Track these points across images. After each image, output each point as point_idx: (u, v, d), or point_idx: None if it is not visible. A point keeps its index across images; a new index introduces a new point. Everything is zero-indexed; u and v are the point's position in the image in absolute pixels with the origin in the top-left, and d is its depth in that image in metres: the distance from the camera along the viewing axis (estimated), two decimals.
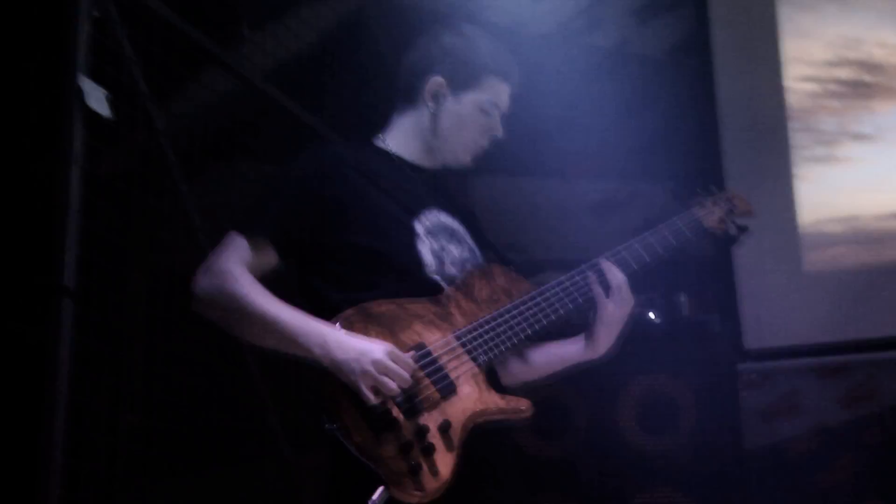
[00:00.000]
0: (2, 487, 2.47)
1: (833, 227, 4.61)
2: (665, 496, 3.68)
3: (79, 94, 2.73)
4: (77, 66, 2.77)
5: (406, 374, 2.19)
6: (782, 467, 4.29)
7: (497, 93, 2.55)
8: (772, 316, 4.51)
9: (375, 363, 2.18)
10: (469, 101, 2.53)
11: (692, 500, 3.66)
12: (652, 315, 3.98)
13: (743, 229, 2.73)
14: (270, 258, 2.34)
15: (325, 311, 2.26)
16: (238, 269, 2.27)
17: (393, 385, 2.17)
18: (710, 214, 2.70)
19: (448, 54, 2.53)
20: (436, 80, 2.51)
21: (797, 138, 4.67)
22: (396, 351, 2.20)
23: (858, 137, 4.65)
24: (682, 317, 3.99)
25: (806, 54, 4.78)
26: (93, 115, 2.77)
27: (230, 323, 2.28)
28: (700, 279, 4.49)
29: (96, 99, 2.76)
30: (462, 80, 2.52)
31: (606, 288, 2.47)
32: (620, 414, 3.78)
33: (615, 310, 2.47)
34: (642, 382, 3.81)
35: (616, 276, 2.47)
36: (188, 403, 3.02)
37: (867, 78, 4.65)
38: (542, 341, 2.55)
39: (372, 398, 2.17)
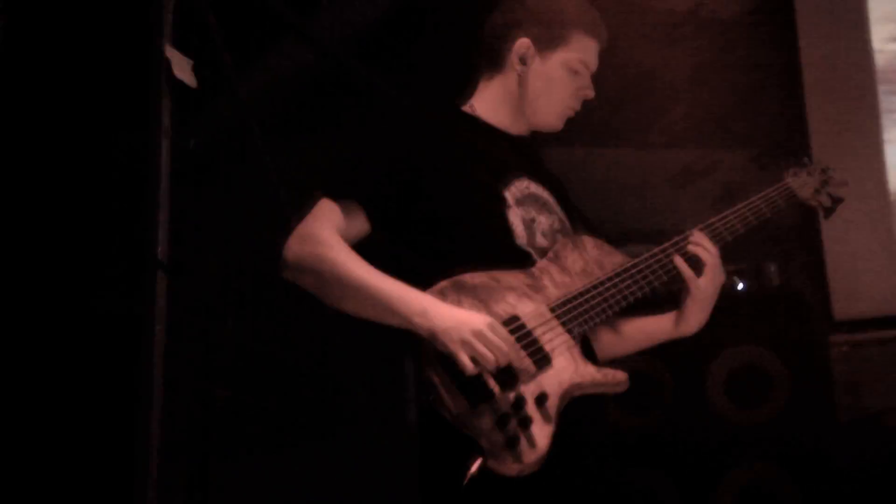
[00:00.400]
0: (101, 463, 2.46)
1: None
2: (759, 471, 3.59)
3: (167, 64, 2.70)
4: (164, 35, 2.74)
5: (505, 347, 2.14)
6: (876, 440, 4.18)
7: (586, 50, 2.47)
8: (862, 285, 4.41)
9: (476, 333, 2.13)
10: (557, 60, 2.46)
11: (787, 475, 3.56)
12: (741, 286, 3.88)
13: (838, 200, 2.67)
14: (361, 225, 2.30)
15: (415, 282, 2.21)
16: (333, 236, 2.23)
17: (491, 356, 2.13)
18: (804, 185, 2.63)
19: (533, 13, 2.46)
20: (522, 42, 2.44)
21: (887, 101, 4.54)
22: (496, 323, 2.15)
23: None
24: (772, 286, 3.88)
25: (894, 13, 4.63)
26: (179, 85, 2.73)
27: (324, 290, 2.24)
28: (788, 248, 4.40)
29: (182, 68, 2.73)
30: (549, 40, 2.45)
31: (696, 263, 2.41)
32: (710, 387, 3.69)
33: (707, 285, 2.41)
34: (732, 354, 3.71)
35: (709, 250, 2.41)
36: (276, 378, 3.00)
37: None
38: (632, 315, 2.50)
39: (470, 367, 2.12)
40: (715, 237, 2.46)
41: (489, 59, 2.51)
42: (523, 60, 2.46)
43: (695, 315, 2.44)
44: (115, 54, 2.75)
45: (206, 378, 2.67)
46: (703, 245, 2.42)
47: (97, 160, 2.68)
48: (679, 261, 2.41)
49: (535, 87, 2.46)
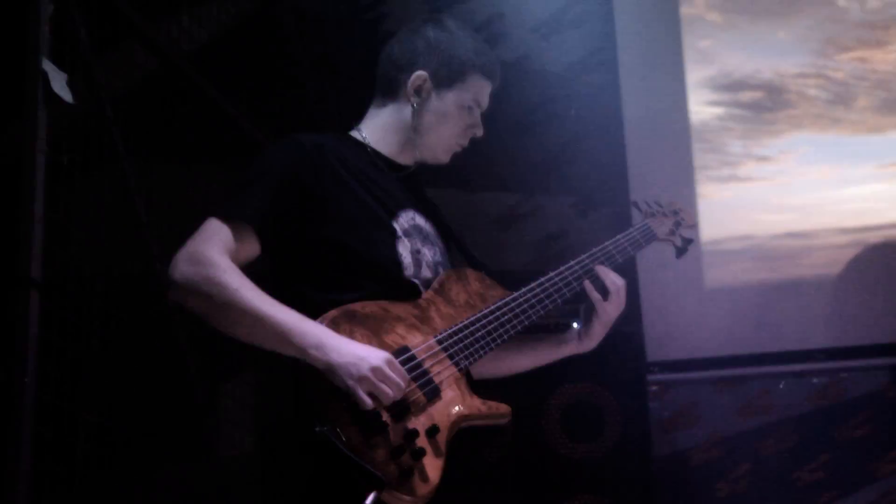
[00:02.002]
0: None
1: (732, 244, 4.81)
2: (586, 502, 3.76)
3: (44, 78, 2.61)
4: (40, 49, 2.65)
5: (402, 383, 2.17)
6: (685, 476, 4.44)
7: (480, 91, 2.54)
8: (673, 329, 4.67)
9: (374, 370, 2.15)
10: (452, 98, 2.51)
11: None
12: (575, 325, 4.05)
13: (688, 241, 2.85)
14: (252, 248, 2.27)
15: (305, 309, 2.22)
16: (224, 260, 2.19)
17: (390, 393, 2.15)
18: (661, 226, 2.80)
19: (433, 49, 2.51)
20: (419, 75, 2.48)
21: (702, 158, 4.87)
22: (393, 359, 2.18)
23: (761, 159, 4.88)
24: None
25: (710, 79, 4.98)
26: (55, 101, 2.65)
27: (214, 315, 2.19)
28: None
29: (59, 83, 2.65)
30: (446, 77, 2.50)
31: (602, 290, 2.54)
32: (546, 421, 3.84)
33: (613, 310, 2.55)
34: (568, 391, 3.88)
35: (615, 281, 2.54)
36: (134, 401, 2.92)
37: (769, 103, 4.89)
38: (530, 334, 2.58)
39: (369, 403, 2.14)
40: (587, 275, 2.59)
41: (383, 87, 2.54)
42: (418, 93, 2.49)
43: (598, 334, 2.58)
44: None
45: (74, 402, 2.58)
46: (609, 276, 2.55)
47: None
48: (588, 286, 2.52)
49: (427, 121, 2.51)
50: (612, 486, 3.80)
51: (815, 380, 4.56)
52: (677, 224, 2.86)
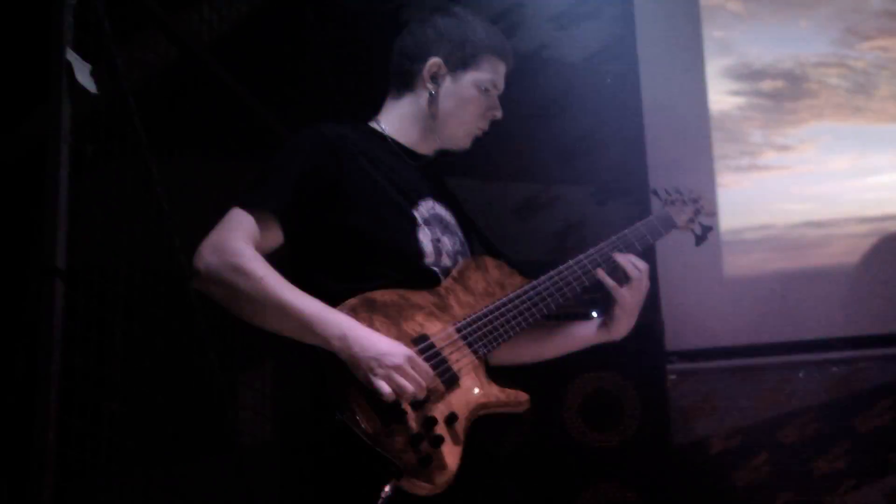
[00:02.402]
0: None
1: (752, 234, 4.81)
2: (610, 491, 3.77)
3: (68, 68, 2.63)
4: (65, 39, 2.67)
5: (423, 382, 2.19)
6: (704, 464, 4.45)
7: (495, 71, 2.56)
8: (692, 318, 4.67)
9: (396, 368, 2.16)
10: (468, 80, 2.53)
11: (637, 496, 3.76)
12: (594, 314, 4.06)
13: (707, 229, 2.85)
14: (276, 237, 2.29)
15: (324, 296, 2.24)
16: (249, 249, 2.21)
17: (411, 389, 2.16)
18: (680, 213, 2.80)
19: (444, 35, 2.53)
20: (434, 62, 2.51)
21: (722, 148, 4.86)
22: (415, 356, 2.19)
23: (781, 148, 4.87)
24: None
25: (730, 68, 4.97)
26: (79, 91, 2.67)
27: (238, 304, 2.21)
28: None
29: (83, 74, 2.67)
30: (460, 60, 2.52)
31: (623, 276, 2.54)
32: (566, 410, 3.85)
33: (634, 295, 2.55)
34: (587, 379, 3.89)
35: (637, 265, 2.54)
36: (157, 393, 2.95)
37: (789, 92, 4.88)
38: (557, 321, 2.59)
39: (391, 397, 2.15)
40: (605, 261, 2.59)
41: (398, 79, 2.56)
42: (434, 79, 2.52)
43: (624, 322, 2.58)
44: (14, 57, 2.66)
45: (97, 390, 2.61)
46: (630, 261, 2.55)
47: None
48: (601, 273, 2.53)
49: (446, 106, 2.53)
50: (631, 475, 3.81)
51: (834, 369, 4.55)
52: (697, 212, 2.85)
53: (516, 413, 2.39)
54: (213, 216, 2.25)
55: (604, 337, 2.63)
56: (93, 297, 2.67)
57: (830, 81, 4.90)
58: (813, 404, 4.52)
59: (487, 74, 2.53)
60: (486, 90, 2.53)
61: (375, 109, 2.57)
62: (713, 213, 2.89)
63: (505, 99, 2.58)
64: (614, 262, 2.57)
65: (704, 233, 2.84)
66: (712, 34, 4.99)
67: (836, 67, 4.89)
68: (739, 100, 4.97)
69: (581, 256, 2.55)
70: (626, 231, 2.64)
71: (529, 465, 3.74)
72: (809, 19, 4.88)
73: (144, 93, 3.20)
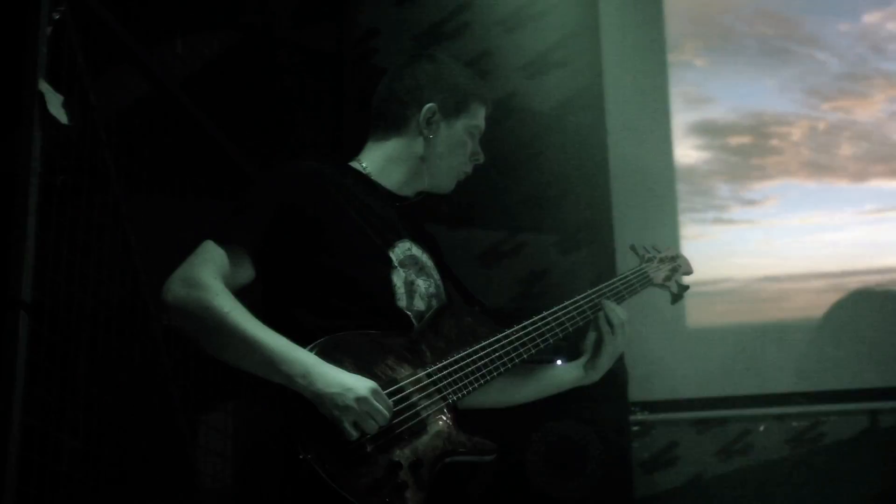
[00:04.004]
0: None
1: (715, 286, 4.84)
2: None
3: (40, 99, 2.60)
4: (38, 71, 2.65)
5: (387, 414, 2.18)
6: None
7: (480, 117, 2.59)
8: (655, 369, 4.68)
9: (359, 401, 2.15)
10: (460, 126, 2.55)
11: None
12: (559, 362, 4.06)
13: (684, 288, 2.86)
14: (247, 272, 2.27)
15: (295, 335, 2.22)
16: (217, 283, 2.19)
17: (374, 424, 2.15)
18: (658, 271, 2.82)
19: (437, 81, 2.55)
20: (430, 108, 2.52)
21: (688, 201, 4.91)
22: (379, 390, 2.18)
23: (747, 203, 4.93)
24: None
25: (696, 122, 5.03)
26: (51, 122, 2.64)
27: (205, 337, 2.19)
28: None
29: (55, 105, 2.64)
30: (453, 106, 2.54)
31: (606, 323, 2.56)
32: (530, 457, 3.83)
33: (620, 343, 2.57)
34: (551, 427, 3.88)
35: (620, 314, 2.57)
36: (118, 431, 2.90)
37: (755, 149, 4.95)
38: (529, 366, 2.59)
39: (354, 434, 2.14)
40: (579, 320, 2.61)
41: (386, 121, 2.55)
42: (429, 124, 2.53)
43: (604, 366, 2.59)
44: None
45: (58, 425, 2.55)
46: (615, 310, 2.57)
47: None
48: (601, 320, 2.54)
49: (439, 151, 2.54)
50: None
51: (794, 423, 4.58)
52: (674, 270, 2.87)
53: (483, 462, 2.37)
54: (178, 254, 2.23)
55: (580, 380, 2.64)
56: (57, 331, 2.63)
57: (794, 139, 4.97)
58: (773, 458, 4.54)
59: (474, 120, 2.56)
60: (472, 135, 2.56)
61: (354, 151, 2.57)
62: (690, 273, 2.91)
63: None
64: (589, 316, 2.59)
65: (681, 291, 2.86)
66: (680, 88, 5.05)
67: (800, 126, 4.97)
68: (706, 154, 5.03)
69: (556, 308, 2.55)
70: (604, 285, 2.65)
71: None
72: (774, 78, 4.96)
73: (116, 127, 3.18)
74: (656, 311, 4.69)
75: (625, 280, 2.70)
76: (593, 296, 2.61)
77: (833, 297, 4.77)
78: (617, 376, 4.25)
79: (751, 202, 4.97)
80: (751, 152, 5.01)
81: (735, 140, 5.02)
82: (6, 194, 2.55)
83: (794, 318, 4.78)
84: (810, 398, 4.61)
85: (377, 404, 2.15)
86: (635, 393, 4.59)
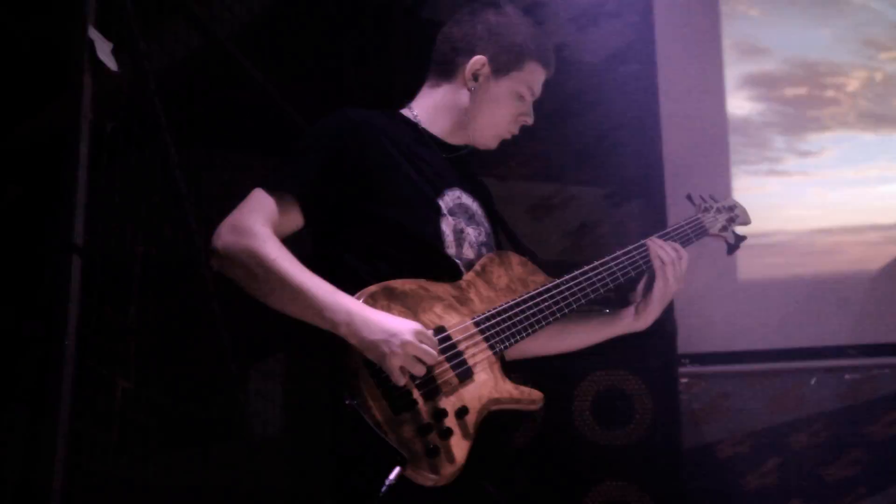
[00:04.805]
0: (6, 446, 2.36)
1: (767, 238, 4.79)
2: (618, 490, 3.75)
3: (90, 46, 2.63)
4: (87, 17, 2.67)
5: (435, 354, 2.18)
6: (713, 468, 4.43)
7: (535, 79, 2.53)
8: (706, 321, 4.65)
9: (405, 345, 2.15)
10: (508, 84, 2.50)
11: (645, 496, 3.73)
12: (606, 310, 4.05)
13: (741, 238, 2.82)
14: (295, 220, 2.29)
15: (344, 282, 2.23)
16: (265, 231, 2.21)
17: (421, 367, 2.16)
18: (715, 222, 2.78)
19: (493, 34, 2.50)
20: (478, 59, 2.48)
21: (740, 152, 4.85)
22: (424, 331, 2.18)
23: (802, 154, 4.86)
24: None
25: (750, 73, 4.96)
26: (100, 69, 2.67)
27: (252, 284, 2.21)
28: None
29: (104, 52, 2.67)
30: (504, 63, 2.50)
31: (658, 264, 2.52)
32: (576, 408, 3.83)
33: (675, 282, 2.54)
34: (599, 377, 3.87)
35: (672, 252, 2.52)
36: (170, 376, 2.94)
37: (811, 99, 4.87)
38: (581, 314, 2.58)
39: (402, 380, 2.14)
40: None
41: (439, 68, 2.53)
42: (476, 77, 2.49)
43: (655, 311, 2.57)
44: (36, 35, 2.66)
45: (110, 368, 2.60)
46: (664, 247, 2.53)
47: (14, 141, 2.59)
48: (653, 257, 2.51)
49: (482, 106, 2.50)
50: (639, 475, 3.78)
51: (847, 376, 4.53)
52: (731, 220, 2.83)
53: (529, 411, 2.38)
54: (229, 203, 2.25)
55: (630, 327, 2.61)
56: (109, 275, 2.67)
57: (850, 90, 4.88)
58: (825, 411, 4.51)
59: (527, 81, 2.51)
60: (522, 96, 2.52)
61: (408, 97, 2.56)
62: (748, 223, 2.87)
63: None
64: (641, 266, 2.56)
65: (738, 242, 2.82)
66: (733, 39, 4.98)
67: (856, 77, 4.88)
68: (760, 105, 4.96)
69: (608, 259, 2.53)
70: (657, 235, 2.62)
71: (538, 461, 3.72)
72: (829, 28, 4.87)
73: (166, 79, 3.20)
74: (707, 263, 4.67)
75: (679, 230, 2.66)
76: (645, 244, 2.58)
77: (888, 250, 4.70)
78: (666, 328, 4.23)
79: (805, 153, 4.90)
80: (806, 104, 4.93)
81: (790, 91, 4.95)
82: (58, 140, 2.58)
83: (848, 270, 4.72)
84: (863, 351, 4.56)
85: (423, 346, 2.15)
86: (685, 345, 4.56)
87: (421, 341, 2.16)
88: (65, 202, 2.51)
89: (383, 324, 2.17)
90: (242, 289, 2.24)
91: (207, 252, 2.22)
